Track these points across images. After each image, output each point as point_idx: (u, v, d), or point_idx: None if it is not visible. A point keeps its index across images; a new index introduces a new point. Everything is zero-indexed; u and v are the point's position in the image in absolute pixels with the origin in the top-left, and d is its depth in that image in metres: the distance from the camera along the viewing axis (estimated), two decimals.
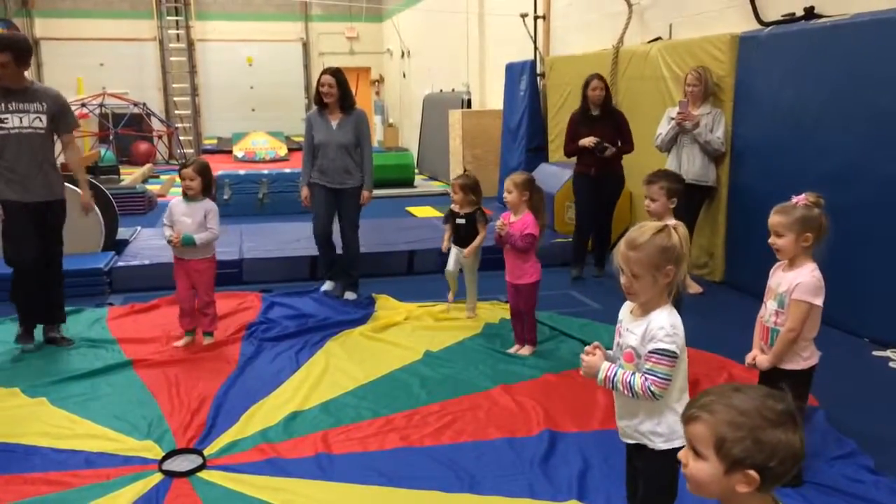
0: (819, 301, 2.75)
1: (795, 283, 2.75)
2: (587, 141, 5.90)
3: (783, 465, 1.28)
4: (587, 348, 2.16)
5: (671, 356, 2.03)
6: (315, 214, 5.61)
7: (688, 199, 5.73)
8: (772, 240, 2.81)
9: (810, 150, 5.01)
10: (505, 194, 4.40)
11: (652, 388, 2.03)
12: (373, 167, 5.63)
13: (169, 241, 4.45)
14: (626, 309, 2.21)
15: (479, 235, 4.95)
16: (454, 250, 5.10)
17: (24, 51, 4.28)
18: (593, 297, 5.67)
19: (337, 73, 5.44)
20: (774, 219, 2.79)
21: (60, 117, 4.45)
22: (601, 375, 2.10)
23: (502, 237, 4.32)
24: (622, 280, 2.09)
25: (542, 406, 3.61)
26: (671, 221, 2.13)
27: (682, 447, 2.10)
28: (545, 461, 3.10)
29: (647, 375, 2.04)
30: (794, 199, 2.77)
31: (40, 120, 4.34)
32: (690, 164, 5.70)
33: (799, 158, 5.10)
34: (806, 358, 2.81)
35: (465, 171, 5.43)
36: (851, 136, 4.68)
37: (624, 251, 2.07)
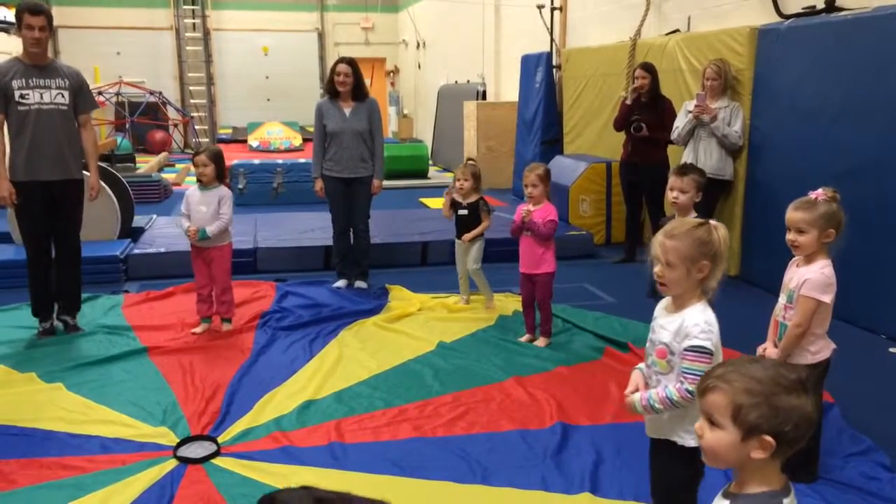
0: (827, 298, 2.71)
1: (804, 279, 2.71)
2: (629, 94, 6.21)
3: (798, 429, 1.32)
4: (626, 392, 2.17)
5: (707, 353, 2.00)
6: (333, 213, 5.60)
7: (704, 193, 5.73)
8: (791, 236, 2.74)
9: (829, 145, 4.96)
10: (530, 189, 4.30)
11: (689, 388, 1.98)
12: (384, 157, 5.62)
13: (186, 233, 4.48)
14: (661, 305, 2.18)
15: (484, 223, 4.92)
16: (458, 248, 5.05)
17: (51, 15, 4.29)
18: (608, 291, 5.65)
19: (352, 63, 5.45)
20: (796, 215, 2.71)
21: (80, 95, 4.43)
22: (638, 408, 2.10)
23: (525, 224, 4.28)
24: (656, 269, 2.06)
25: (555, 398, 3.61)
26: (713, 222, 2.10)
27: None
28: (558, 454, 3.10)
29: (684, 375, 2.01)
30: (813, 195, 2.73)
31: (62, 96, 4.31)
32: (707, 158, 5.65)
33: (818, 153, 5.05)
34: (814, 353, 2.78)
35: (469, 159, 5.32)
36: (871, 131, 4.63)
37: (661, 240, 2.05)
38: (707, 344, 2.00)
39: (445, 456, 3.10)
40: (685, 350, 2.02)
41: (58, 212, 4.43)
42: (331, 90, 5.48)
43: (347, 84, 5.38)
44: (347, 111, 5.43)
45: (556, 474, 2.94)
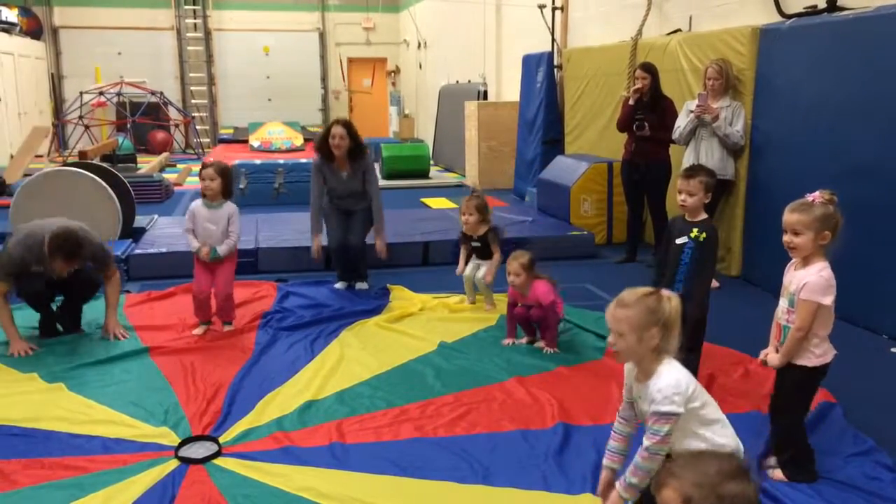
0: (827, 300, 2.70)
1: (803, 282, 2.70)
2: (631, 92, 6.23)
3: None
4: (599, 493, 2.33)
5: (670, 416, 2.11)
6: (330, 232, 5.60)
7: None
8: (787, 238, 2.73)
9: (831, 145, 4.95)
10: (513, 278, 4.29)
11: (650, 447, 2.12)
12: (382, 211, 5.58)
13: (197, 253, 4.50)
14: (630, 374, 2.29)
15: (495, 257, 4.94)
16: (473, 262, 5.08)
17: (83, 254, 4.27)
18: (609, 291, 5.64)
19: (348, 125, 5.40)
20: (792, 217, 2.71)
21: (97, 266, 4.45)
22: (625, 495, 2.21)
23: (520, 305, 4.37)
24: (609, 339, 2.20)
25: (556, 398, 3.60)
26: (665, 292, 2.20)
27: None
28: (559, 454, 3.09)
29: (649, 434, 2.14)
30: (810, 197, 2.72)
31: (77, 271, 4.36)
32: (709, 158, 5.65)
33: (819, 153, 5.04)
34: (819, 355, 2.77)
35: (473, 190, 5.28)
36: (873, 131, 4.62)
37: (612, 309, 2.18)
38: (670, 409, 2.11)
39: (447, 456, 3.10)
40: (651, 413, 2.14)
41: (65, 291, 4.53)
42: (324, 152, 5.40)
43: (342, 147, 5.32)
44: (344, 174, 5.45)
45: (558, 474, 2.94)
